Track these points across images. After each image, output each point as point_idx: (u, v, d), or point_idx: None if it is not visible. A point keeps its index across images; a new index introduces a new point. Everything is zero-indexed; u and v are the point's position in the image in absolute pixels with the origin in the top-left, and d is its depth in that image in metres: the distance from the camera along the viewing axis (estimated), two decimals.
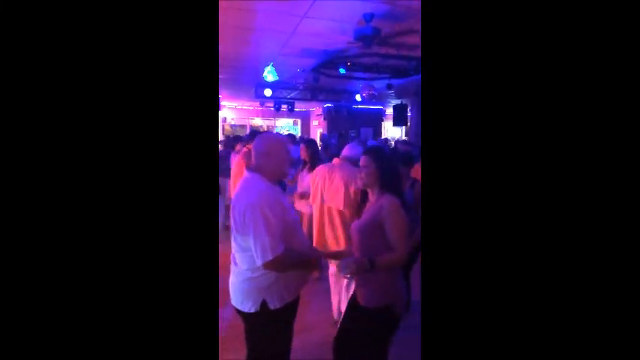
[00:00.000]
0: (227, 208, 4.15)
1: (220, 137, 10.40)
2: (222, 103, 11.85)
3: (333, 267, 2.50)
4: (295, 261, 1.51)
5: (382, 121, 12.52)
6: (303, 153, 3.28)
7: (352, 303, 1.65)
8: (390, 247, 1.50)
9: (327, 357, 1.70)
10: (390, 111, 10.92)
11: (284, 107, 10.15)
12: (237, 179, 3.52)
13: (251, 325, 1.55)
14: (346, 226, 2.35)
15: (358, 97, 8.84)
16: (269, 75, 5.97)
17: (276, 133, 6.67)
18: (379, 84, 6.94)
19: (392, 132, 12.79)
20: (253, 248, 1.40)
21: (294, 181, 3.51)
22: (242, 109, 13.24)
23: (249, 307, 1.49)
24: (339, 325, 1.71)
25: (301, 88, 9.04)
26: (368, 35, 3.84)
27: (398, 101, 9.11)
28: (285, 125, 14.21)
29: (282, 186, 3.34)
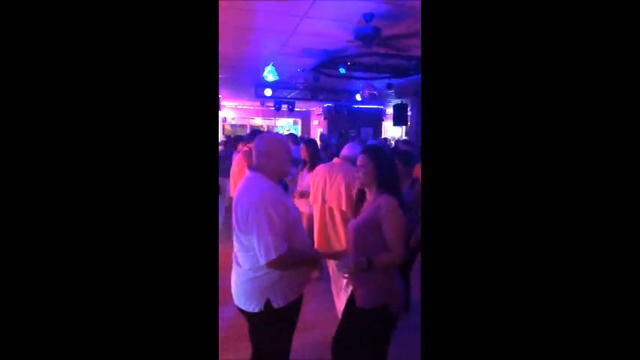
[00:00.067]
0: (227, 208, 4.15)
1: (221, 137, 10.41)
2: (223, 103, 11.85)
3: (333, 267, 2.50)
4: (297, 260, 1.52)
5: (382, 120, 12.52)
6: (303, 153, 3.28)
7: (350, 303, 1.65)
8: (386, 247, 1.50)
9: (327, 357, 1.70)
10: (390, 110, 10.93)
11: (284, 107, 10.15)
12: (237, 178, 3.53)
13: (255, 324, 1.55)
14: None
15: (358, 97, 8.84)
16: (269, 75, 5.96)
17: (277, 132, 6.67)
18: (379, 83, 6.94)
19: (392, 131, 12.79)
20: (257, 247, 1.40)
21: (294, 181, 3.51)
22: (242, 108, 13.24)
23: (253, 307, 1.49)
24: (337, 326, 1.71)
25: (301, 87, 9.04)
26: (368, 35, 3.84)
27: (398, 101, 9.11)
28: (286, 125, 14.21)
29: (284, 186, 3.34)
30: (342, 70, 5.73)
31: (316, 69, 6.20)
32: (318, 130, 12.31)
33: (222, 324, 2.28)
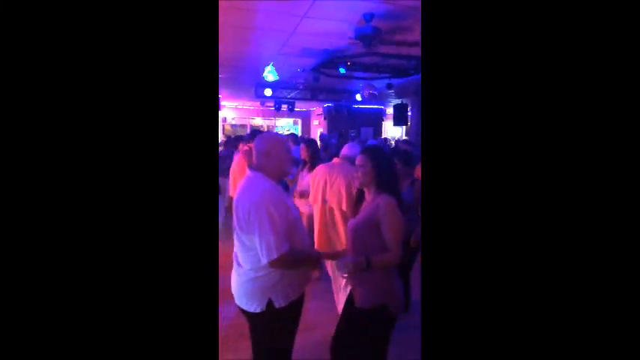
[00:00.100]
0: (227, 208, 4.14)
1: (221, 137, 10.41)
2: (223, 102, 11.85)
3: (333, 266, 2.50)
4: (299, 259, 1.52)
5: (382, 120, 12.52)
6: (303, 153, 3.29)
7: (349, 303, 1.65)
8: (385, 247, 1.50)
9: (327, 357, 1.70)
10: (390, 110, 10.92)
11: (284, 107, 10.15)
12: (237, 177, 3.53)
13: (257, 324, 1.55)
14: None
15: (358, 97, 8.85)
16: (269, 75, 5.96)
17: (276, 132, 6.67)
18: (379, 83, 6.93)
19: (392, 131, 12.80)
20: (258, 247, 1.40)
21: (294, 181, 3.51)
22: (242, 108, 13.24)
23: (254, 307, 1.49)
24: (336, 326, 1.71)
25: (301, 87, 9.04)
26: (368, 35, 3.84)
27: (398, 101, 9.10)
28: (286, 125, 14.21)
29: (284, 186, 3.34)
30: (342, 70, 5.73)
31: (316, 69, 6.20)
32: (318, 130, 12.32)
33: (222, 324, 2.29)
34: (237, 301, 1.55)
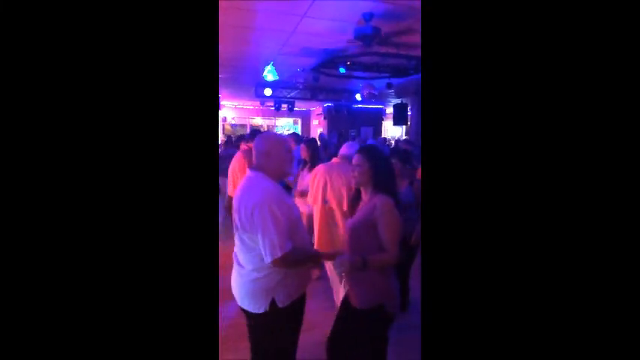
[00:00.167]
0: (226, 208, 4.13)
1: (221, 137, 10.40)
2: (223, 102, 11.86)
3: (331, 266, 2.50)
4: (301, 258, 1.52)
5: (382, 120, 12.52)
6: (303, 152, 3.29)
7: (345, 303, 1.65)
8: (382, 247, 1.50)
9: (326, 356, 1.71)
10: (390, 110, 10.92)
11: (284, 107, 10.15)
12: (236, 176, 3.52)
13: (260, 325, 1.54)
14: None
15: (358, 97, 8.84)
16: (269, 74, 5.96)
17: (276, 132, 6.67)
18: (379, 83, 6.93)
19: (392, 131, 12.80)
20: (262, 246, 1.40)
21: (295, 181, 3.51)
22: (242, 108, 13.25)
23: (258, 307, 1.49)
24: (332, 326, 1.71)
25: (301, 87, 9.04)
26: (368, 34, 3.84)
27: (398, 100, 9.10)
28: (286, 125, 14.20)
29: (284, 186, 3.34)
30: (341, 70, 5.73)
31: (316, 69, 6.20)
32: (318, 129, 12.32)
33: (222, 324, 2.29)
34: (240, 302, 1.55)
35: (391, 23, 3.98)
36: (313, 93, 9.39)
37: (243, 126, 13.38)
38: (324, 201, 2.55)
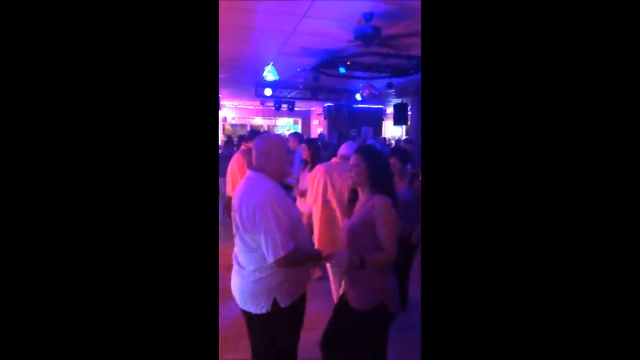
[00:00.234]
0: (225, 207, 4.12)
1: (221, 137, 10.40)
2: (223, 102, 11.85)
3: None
4: (303, 258, 1.53)
5: (382, 120, 12.52)
6: (305, 152, 3.29)
7: (341, 303, 1.65)
8: (379, 247, 1.50)
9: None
10: (390, 110, 10.92)
11: (284, 106, 10.15)
12: (235, 176, 3.51)
13: (262, 325, 1.54)
14: None
15: (358, 97, 8.84)
16: (269, 74, 5.96)
17: (276, 133, 6.66)
18: (379, 83, 6.93)
19: (392, 131, 12.80)
20: (264, 246, 1.40)
21: (297, 183, 3.51)
22: (242, 108, 13.25)
23: (260, 308, 1.49)
24: (326, 325, 1.71)
25: (301, 87, 9.04)
26: (368, 34, 3.84)
27: (398, 100, 9.10)
28: (286, 124, 14.20)
29: (284, 187, 3.35)
30: (342, 70, 5.73)
31: (316, 68, 6.20)
32: (318, 129, 12.32)
33: (222, 323, 2.29)
34: (241, 303, 1.54)
35: (391, 23, 3.98)
36: (313, 93, 9.38)
37: (244, 126, 13.38)
38: (325, 201, 2.55)
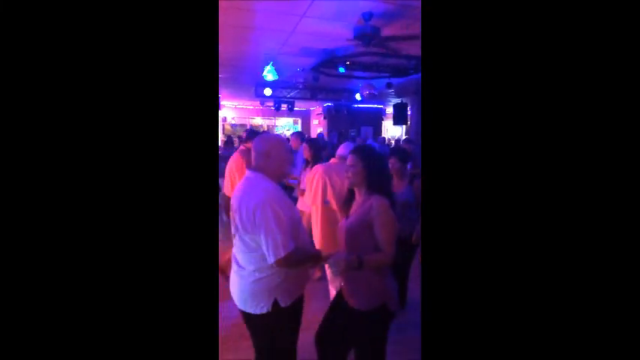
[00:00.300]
0: (223, 207, 4.12)
1: (221, 137, 10.40)
2: (222, 102, 11.86)
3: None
4: (303, 258, 1.53)
5: (382, 120, 12.52)
6: (306, 152, 3.29)
7: (337, 300, 1.64)
8: (377, 248, 1.50)
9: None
10: (390, 110, 10.92)
11: (284, 106, 10.14)
12: (234, 176, 3.51)
13: (263, 325, 1.54)
14: None
15: (358, 96, 8.83)
16: (269, 74, 5.95)
17: (276, 133, 6.66)
18: (379, 83, 6.93)
19: (392, 131, 12.79)
20: (265, 246, 1.40)
21: (298, 184, 3.51)
22: (242, 108, 13.25)
23: (260, 308, 1.49)
24: (321, 321, 1.70)
25: (301, 87, 9.03)
26: (367, 34, 3.84)
27: (398, 100, 9.09)
28: (286, 124, 14.20)
29: (284, 187, 3.34)
30: (341, 70, 5.72)
31: (316, 68, 6.19)
32: (318, 129, 12.32)
33: (222, 323, 2.29)
34: (241, 304, 1.54)
35: (391, 23, 3.98)
36: (313, 93, 9.38)
37: (243, 126, 13.37)
38: (325, 202, 2.54)
